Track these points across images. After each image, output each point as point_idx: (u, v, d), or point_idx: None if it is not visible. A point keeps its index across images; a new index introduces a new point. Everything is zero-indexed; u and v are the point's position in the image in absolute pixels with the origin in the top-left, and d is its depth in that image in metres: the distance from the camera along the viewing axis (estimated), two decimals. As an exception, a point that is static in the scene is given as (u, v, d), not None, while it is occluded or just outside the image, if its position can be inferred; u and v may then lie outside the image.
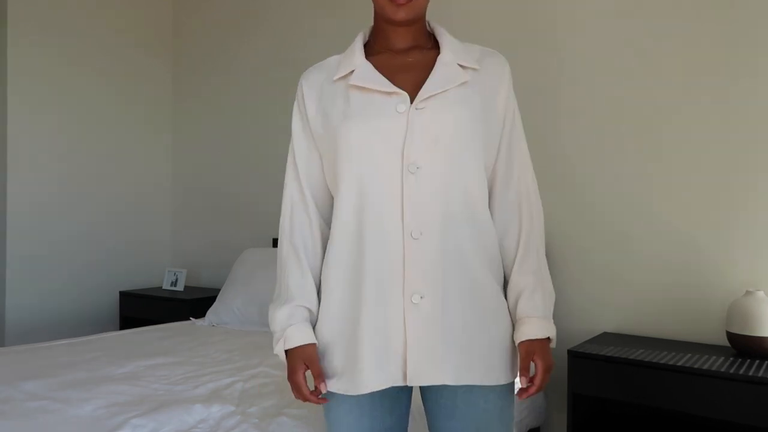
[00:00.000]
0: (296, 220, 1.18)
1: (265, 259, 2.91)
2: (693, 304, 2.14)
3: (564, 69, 2.42)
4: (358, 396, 1.11)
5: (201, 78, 3.70)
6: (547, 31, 2.46)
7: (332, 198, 1.20)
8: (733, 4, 2.08)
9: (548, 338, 1.13)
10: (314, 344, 1.12)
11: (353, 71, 1.13)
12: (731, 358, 1.85)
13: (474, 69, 1.14)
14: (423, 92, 1.08)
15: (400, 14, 1.10)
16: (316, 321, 1.16)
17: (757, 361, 1.81)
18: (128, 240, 3.62)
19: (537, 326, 1.11)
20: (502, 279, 1.16)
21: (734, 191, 2.07)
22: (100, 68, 3.47)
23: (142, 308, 3.34)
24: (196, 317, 3.14)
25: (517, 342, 1.12)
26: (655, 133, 2.22)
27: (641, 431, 2.12)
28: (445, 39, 1.16)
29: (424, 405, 1.19)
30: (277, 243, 3.26)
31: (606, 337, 2.17)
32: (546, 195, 2.44)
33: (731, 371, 1.70)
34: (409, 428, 1.51)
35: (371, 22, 2.30)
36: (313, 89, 1.18)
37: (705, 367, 1.75)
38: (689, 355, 1.90)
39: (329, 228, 1.19)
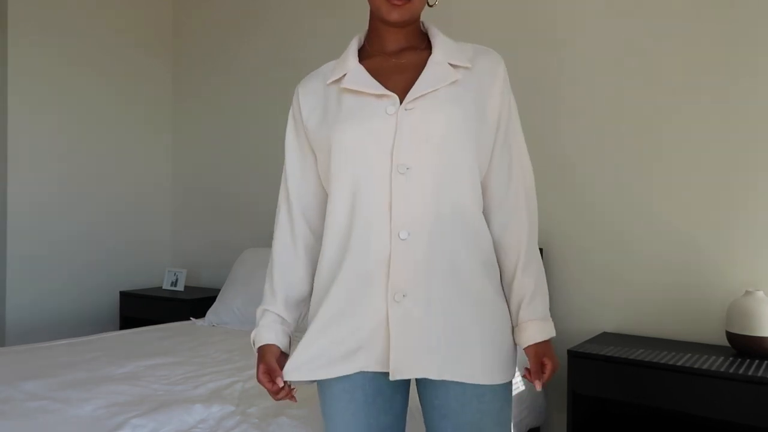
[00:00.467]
0: (278, 225, 1.25)
1: (265, 259, 2.91)
2: (693, 304, 2.14)
3: (564, 69, 2.42)
4: (353, 393, 1.12)
5: (201, 78, 3.70)
6: (547, 31, 2.46)
7: (324, 201, 1.23)
8: (733, 4, 2.08)
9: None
10: (274, 345, 1.18)
11: (345, 75, 1.14)
12: (731, 358, 1.85)
13: (466, 68, 1.14)
14: (412, 93, 1.08)
15: (394, 15, 1.11)
16: (311, 321, 1.17)
17: (757, 361, 1.81)
18: (128, 240, 3.62)
19: (540, 329, 1.13)
20: (499, 279, 1.16)
21: (734, 191, 2.07)
22: (100, 68, 3.47)
23: (142, 308, 3.34)
24: (196, 317, 3.14)
25: (523, 346, 1.14)
26: (655, 133, 2.22)
27: (641, 431, 2.12)
28: (437, 39, 1.17)
29: (420, 405, 1.19)
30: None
31: (606, 337, 2.17)
32: (546, 195, 2.44)
33: (731, 371, 1.70)
34: (408, 428, 1.51)
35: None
36: (307, 95, 1.20)
37: (705, 367, 1.75)
38: (689, 355, 1.90)
39: (321, 229, 1.23)
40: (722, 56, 2.10)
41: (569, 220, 2.40)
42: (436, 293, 1.08)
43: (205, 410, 1.59)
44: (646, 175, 2.23)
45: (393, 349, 1.07)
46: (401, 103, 1.10)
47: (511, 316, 1.17)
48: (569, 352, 1.95)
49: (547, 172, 2.44)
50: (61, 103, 3.30)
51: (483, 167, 1.15)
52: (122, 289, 3.58)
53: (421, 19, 1.21)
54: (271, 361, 1.15)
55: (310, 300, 1.24)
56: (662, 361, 1.81)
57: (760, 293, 1.88)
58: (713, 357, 1.86)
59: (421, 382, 1.15)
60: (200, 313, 3.18)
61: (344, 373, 1.10)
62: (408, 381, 1.19)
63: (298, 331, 1.23)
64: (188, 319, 3.07)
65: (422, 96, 1.09)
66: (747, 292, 1.90)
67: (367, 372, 1.11)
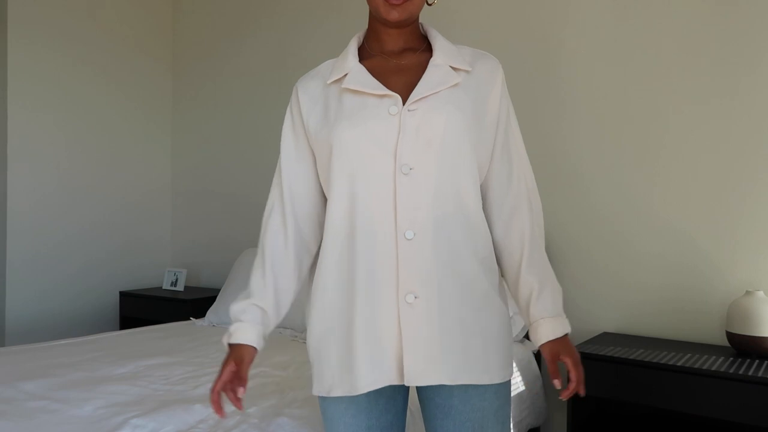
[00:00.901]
0: (270, 224, 1.21)
1: (265, 259, 2.91)
2: (693, 304, 2.14)
3: (564, 68, 2.42)
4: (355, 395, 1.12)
5: (200, 78, 3.70)
6: (547, 30, 2.46)
7: (317, 203, 1.22)
8: (733, 3, 2.08)
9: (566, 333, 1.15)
10: (252, 347, 1.13)
11: (346, 75, 1.14)
12: (731, 358, 1.85)
13: (466, 71, 1.15)
14: (415, 94, 1.09)
15: (393, 14, 1.11)
16: (308, 323, 1.17)
17: (757, 361, 1.81)
18: (128, 240, 3.62)
19: (551, 327, 1.13)
20: (497, 279, 1.17)
21: (735, 191, 2.07)
22: (100, 68, 3.47)
23: (142, 308, 3.34)
24: (196, 317, 3.14)
25: (537, 346, 1.15)
26: (656, 134, 2.22)
27: (641, 431, 2.12)
28: (437, 41, 1.17)
29: (420, 404, 1.19)
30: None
31: (606, 337, 2.17)
32: (546, 195, 2.45)
33: (731, 371, 1.70)
34: (407, 427, 1.51)
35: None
36: (306, 94, 1.19)
37: (705, 367, 1.75)
38: (689, 355, 1.90)
39: (311, 233, 1.21)
40: (723, 56, 2.10)
41: (570, 220, 2.40)
42: (445, 293, 1.08)
43: (205, 410, 1.59)
44: (647, 175, 2.23)
45: (407, 355, 1.06)
46: (403, 103, 1.10)
47: (523, 317, 1.18)
48: (569, 352, 1.95)
49: (547, 172, 2.44)
50: (61, 103, 3.30)
51: (483, 168, 1.16)
52: (122, 289, 3.58)
53: (420, 20, 1.21)
54: (245, 370, 1.11)
55: (289, 307, 1.22)
56: (662, 361, 1.81)
57: (760, 293, 1.88)
58: (713, 357, 1.86)
59: None
60: (200, 313, 3.18)
61: (372, 388, 1.07)
62: None
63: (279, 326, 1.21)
64: (188, 319, 3.07)
65: (424, 98, 1.09)
66: (747, 292, 1.90)
67: None
